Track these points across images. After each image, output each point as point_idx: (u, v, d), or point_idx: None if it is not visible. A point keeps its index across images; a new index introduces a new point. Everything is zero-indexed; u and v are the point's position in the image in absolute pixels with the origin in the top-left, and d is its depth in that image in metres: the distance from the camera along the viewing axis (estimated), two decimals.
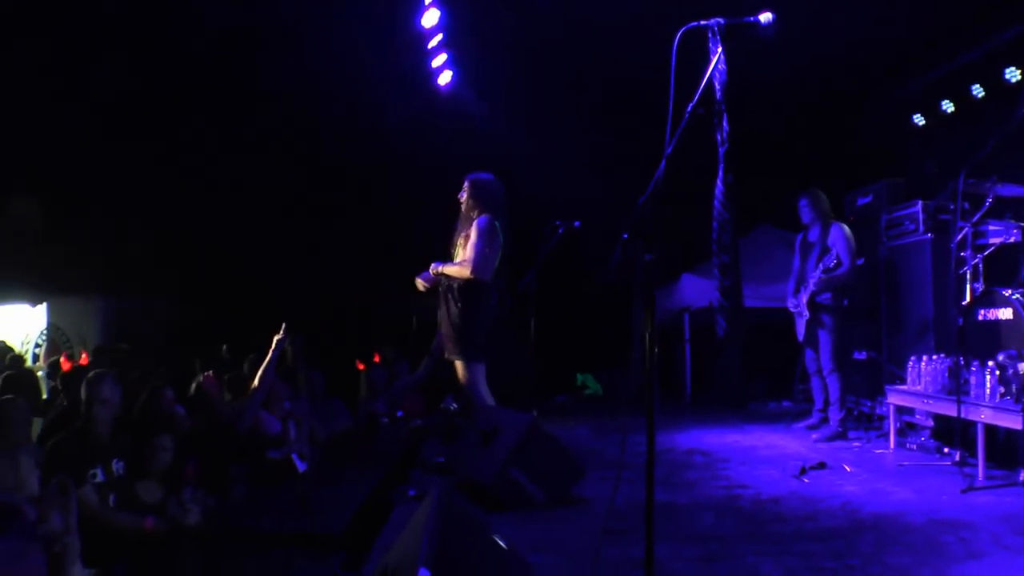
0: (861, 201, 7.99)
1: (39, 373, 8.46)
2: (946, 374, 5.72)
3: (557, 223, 6.68)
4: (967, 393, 5.26)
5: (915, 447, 6.24)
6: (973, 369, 5.32)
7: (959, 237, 6.00)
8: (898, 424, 6.46)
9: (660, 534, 2.95)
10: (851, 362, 7.55)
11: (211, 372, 6.19)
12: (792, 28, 4.09)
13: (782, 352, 8.94)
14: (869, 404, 7.44)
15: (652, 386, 2.88)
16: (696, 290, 10.45)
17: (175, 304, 11.33)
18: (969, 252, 6.13)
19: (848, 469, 5.61)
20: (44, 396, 7.36)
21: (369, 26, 8.93)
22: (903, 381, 6.47)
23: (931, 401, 5.85)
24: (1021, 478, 4.94)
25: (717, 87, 8.78)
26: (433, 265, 5.89)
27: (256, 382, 5.78)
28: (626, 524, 3.94)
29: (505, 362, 6.54)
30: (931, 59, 8.72)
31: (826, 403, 7.14)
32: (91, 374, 4.76)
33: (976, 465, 5.11)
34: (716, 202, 9.10)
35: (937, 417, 6.13)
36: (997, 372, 5.14)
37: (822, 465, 5.64)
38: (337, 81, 9.35)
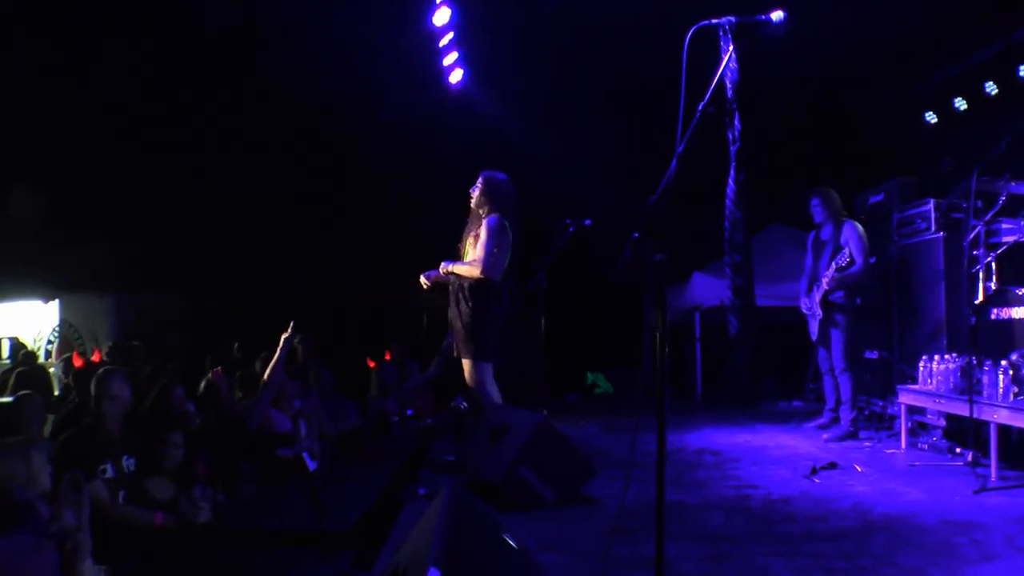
0: (872, 199, 7.96)
1: (51, 370, 8.50)
2: (958, 374, 5.69)
3: (568, 222, 6.69)
4: (980, 393, 5.22)
5: (927, 447, 6.21)
6: (986, 369, 5.28)
7: (972, 235, 5.97)
8: (910, 424, 6.43)
9: (670, 534, 2.95)
10: (863, 361, 7.52)
11: (219, 368, 6.21)
12: (803, 27, 4.07)
13: (793, 351, 8.91)
14: (880, 404, 7.41)
15: (662, 385, 2.87)
16: (707, 289, 10.43)
17: (187, 302, 11.39)
18: (982, 250, 6.09)
19: (859, 469, 5.58)
20: (56, 393, 7.39)
21: (379, 25, 8.94)
22: (915, 381, 6.43)
23: (943, 401, 5.82)
24: None
25: (728, 86, 8.80)
26: (443, 264, 5.90)
27: (265, 380, 5.80)
28: (636, 523, 3.93)
29: (515, 361, 6.54)
30: (944, 57, 8.68)
31: (837, 403, 7.11)
32: (101, 371, 4.79)
33: (989, 465, 5.08)
34: (728, 201, 9.12)
35: (949, 417, 6.09)
36: (1010, 372, 5.11)
37: (833, 465, 5.62)
38: (351, 80, 9.37)
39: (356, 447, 7.07)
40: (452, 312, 5.90)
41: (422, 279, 6.00)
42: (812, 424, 7.47)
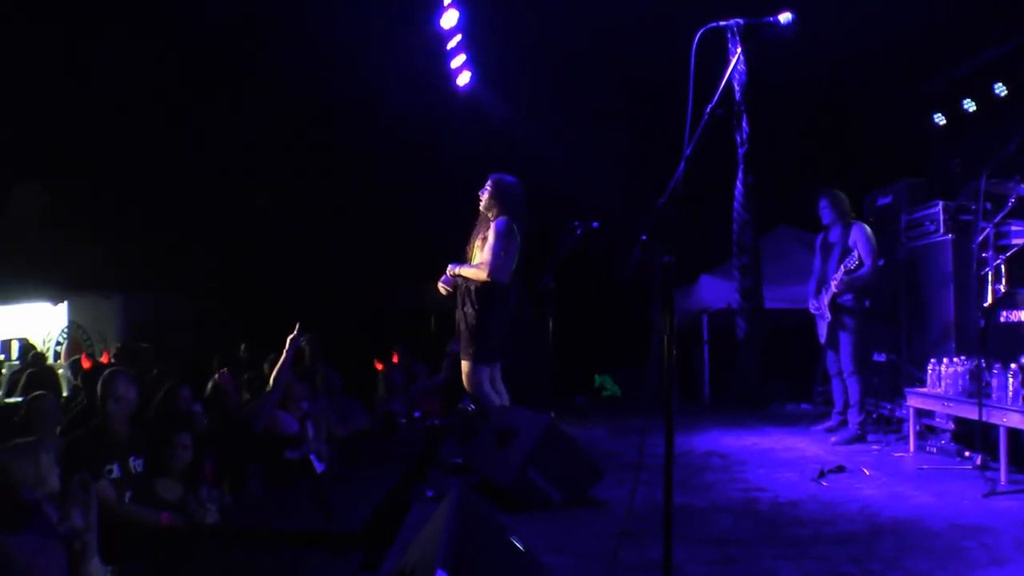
0: (881, 201, 7.92)
1: (60, 371, 8.53)
2: (967, 377, 5.66)
3: (576, 224, 6.68)
4: (989, 396, 5.20)
5: (935, 450, 6.18)
6: (995, 371, 5.25)
7: (981, 238, 5.93)
8: (918, 427, 6.39)
9: (678, 536, 2.94)
10: (871, 364, 7.48)
11: (226, 369, 6.22)
12: (811, 28, 4.06)
13: (800, 354, 8.88)
14: (889, 407, 7.38)
15: (670, 388, 2.87)
16: (714, 291, 10.42)
17: (195, 303, 11.42)
18: (991, 253, 6.05)
19: (867, 472, 5.56)
20: (65, 394, 7.42)
21: (387, 27, 8.96)
22: (923, 383, 6.40)
23: (952, 404, 5.79)
24: None
25: (736, 88, 8.80)
26: (450, 267, 5.91)
27: (271, 382, 5.81)
28: (644, 526, 3.91)
29: (523, 363, 6.54)
30: (953, 58, 8.65)
31: (845, 405, 7.08)
32: (106, 372, 4.81)
33: (998, 469, 5.06)
34: (736, 203, 9.11)
35: (958, 420, 6.05)
36: (1020, 375, 5.08)
37: (841, 468, 5.59)
38: (358, 82, 9.39)
39: (363, 448, 7.07)
40: (459, 314, 5.91)
41: (440, 286, 6.00)
42: (820, 427, 7.44)
